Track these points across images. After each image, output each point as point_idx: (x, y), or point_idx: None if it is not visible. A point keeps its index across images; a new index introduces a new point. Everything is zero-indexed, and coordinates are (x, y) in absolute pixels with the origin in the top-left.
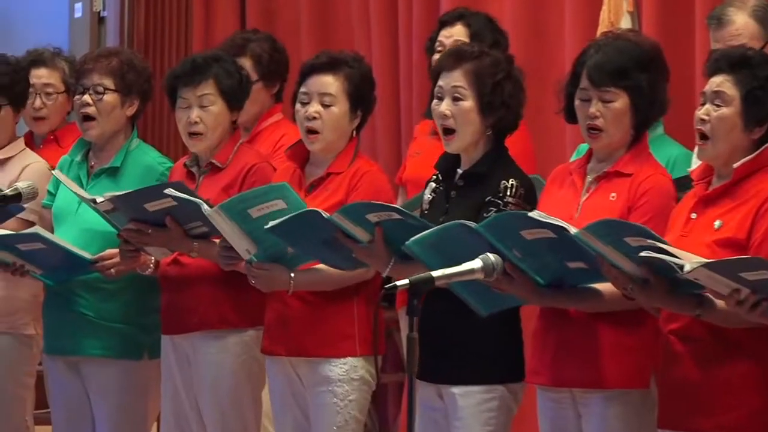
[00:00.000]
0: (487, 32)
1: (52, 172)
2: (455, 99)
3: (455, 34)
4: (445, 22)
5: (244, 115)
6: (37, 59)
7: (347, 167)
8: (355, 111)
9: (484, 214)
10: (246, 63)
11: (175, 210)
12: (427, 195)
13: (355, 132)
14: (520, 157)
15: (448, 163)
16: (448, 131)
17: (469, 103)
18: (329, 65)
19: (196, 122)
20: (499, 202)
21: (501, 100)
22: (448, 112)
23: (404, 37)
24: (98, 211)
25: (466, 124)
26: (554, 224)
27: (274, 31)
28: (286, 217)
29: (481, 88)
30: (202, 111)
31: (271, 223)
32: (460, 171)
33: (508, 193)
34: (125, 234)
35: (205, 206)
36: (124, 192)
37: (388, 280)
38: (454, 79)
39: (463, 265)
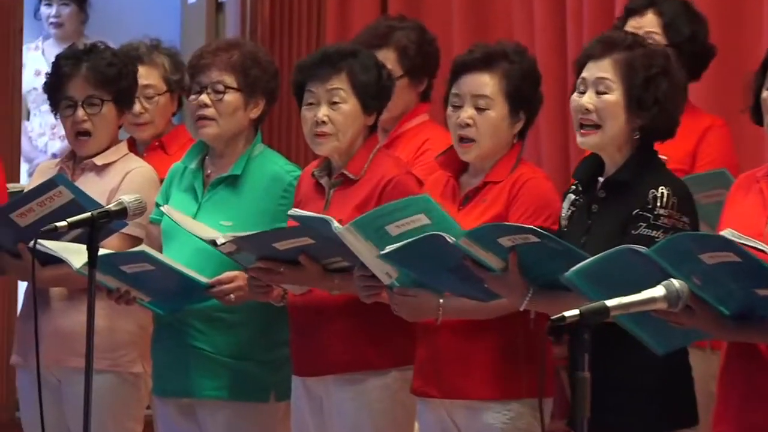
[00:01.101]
0: (683, 21)
1: (161, 208)
2: (599, 92)
3: (645, 24)
4: (633, 11)
5: (383, 114)
6: (131, 55)
7: (507, 175)
8: (516, 113)
9: (633, 231)
10: (389, 55)
11: (311, 248)
12: (565, 210)
13: (517, 137)
14: (720, 162)
15: (587, 170)
16: (590, 126)
17: (614, 97)
18: (484, 62)
19: (323, 121)
20: (649, 215)
21: (653, 98)
22: (590, 106)
23: (573, 27)
24: (224, 254)
25: (609, 118)
26: (751, 246)
27: (420, 20)
28: (404, 242)
29: (630, 81)
30: (332, 109)
31: (387, 249)
32: (601, 180)
33: (659, 204)
34: (253, 273)
35: (335, 224)
36: (249, 233)
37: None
38: (601, 69)
39: (643, 293)
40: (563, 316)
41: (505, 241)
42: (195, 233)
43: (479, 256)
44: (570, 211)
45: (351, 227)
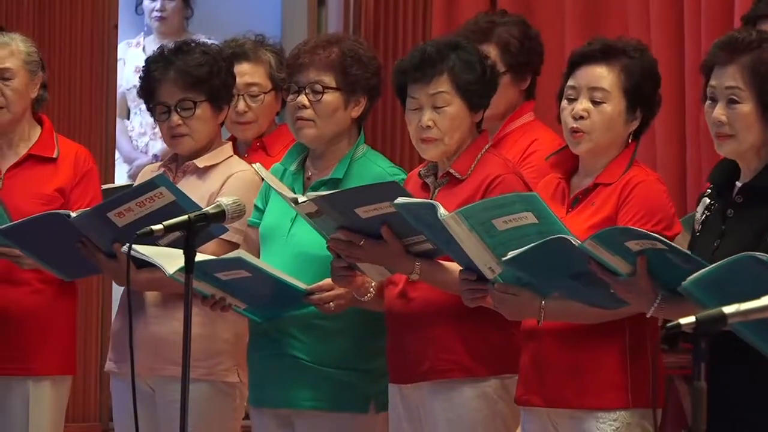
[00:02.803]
0: None
1: (253, 166)
2: (730, 101)
3: None
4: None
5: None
6: (237, 52)
7: (619, 177)
8: (633, 111)
9: None
10: (491, 51)
11: (394, 218)
12: (699, 213)
13: (632, 137)
14: None
15: (724, 175)
16: (724, 135)
17: (746, 107)
18: (603, 54)
19: (428, 126)
20: None
21: None
22: (723, 118)
23: (691, 24)
24: (302, 215)
25: (745, 131)
26: None
27: (531, 17)
28: (529, 246)
29: (760, 87)
30: (436, 113)
31: (510, 254)
32: (738, 184)
33: None
34: (332, 245)
35: (441, 209)
36: (330, 192)
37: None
38: (728, 77)
39: (765, 299)
40: (678, 323)
41: (633, 245)
42: (279, 191)
43: (605, 259)
44: (704, 215)
45: (456, 216)
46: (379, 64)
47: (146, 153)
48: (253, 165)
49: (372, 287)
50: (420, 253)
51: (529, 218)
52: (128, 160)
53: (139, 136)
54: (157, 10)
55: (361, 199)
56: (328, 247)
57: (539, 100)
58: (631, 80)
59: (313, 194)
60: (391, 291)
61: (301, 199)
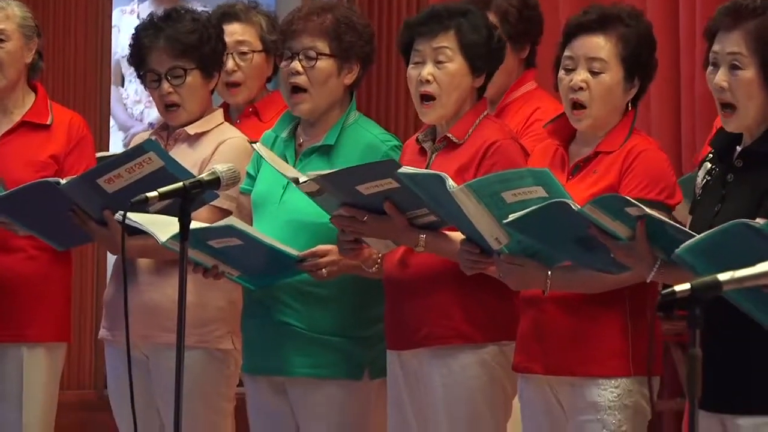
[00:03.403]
0: None
1: (253, 145)
2: (733, 67)
3: None
4: None
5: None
6: (227, 12)
7: (620, 146)
8: (631, 79)
9: None
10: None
11: (396, 194)
12: (700, 178)
13: (630, 104)
14: None
15: (725, 139)
16: (727, 106)
17: (749, 73)
18: (600, 23)
19: (428, 80)
20: None
21: None
22: (724, 84)
23: None
24: (304, 192)
25: (746, 98)
26: None
27: None
28: (529, 209)
29: (764, 53)
30: (437, 68)
31: (511, 217)
32: (739, 149)
33: None
34: (336, 221)
35: (450, 182)
36: (331, 171)
37: (666, 284)
38: (731, 43)
39: (759, 266)
40: (673, 290)
41: (633, 211)
42: (280, 171)
43: (605, 224)
44: (705, 179)
45: (466, 188)
46: (372, 32)
47: (141, 121)
48: (254, 144)
49: (379, 258)
50: (424, 225)
51: (539, 192)
52: (123, 128)
53: (134, 104)
54: None
55: (361, 177)
56: (331, 221)
57: (539, 69)
58: (628, 48)
59: (313, 173)
60: (390, 258)
61: (303, 178)
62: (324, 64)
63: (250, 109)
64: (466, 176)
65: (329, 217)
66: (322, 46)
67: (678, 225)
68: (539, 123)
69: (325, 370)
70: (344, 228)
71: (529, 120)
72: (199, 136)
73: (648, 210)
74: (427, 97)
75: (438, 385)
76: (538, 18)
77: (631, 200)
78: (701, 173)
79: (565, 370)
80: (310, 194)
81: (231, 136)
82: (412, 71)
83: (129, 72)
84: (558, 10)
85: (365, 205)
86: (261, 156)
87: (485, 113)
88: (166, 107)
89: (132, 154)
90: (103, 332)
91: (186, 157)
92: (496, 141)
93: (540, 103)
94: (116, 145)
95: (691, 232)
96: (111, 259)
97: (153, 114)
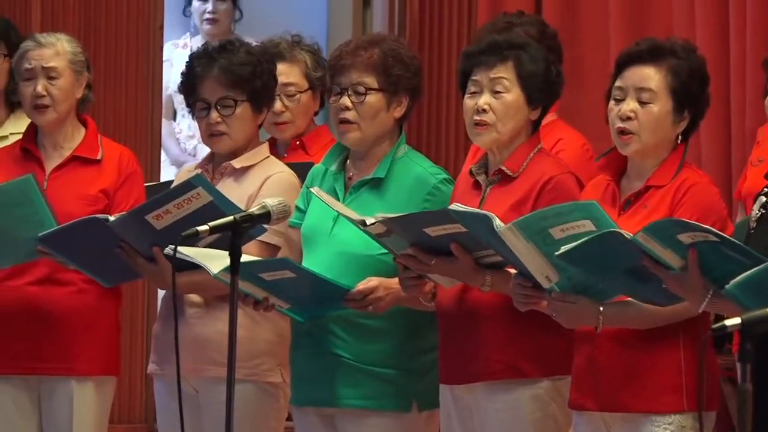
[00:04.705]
0: None
1: (311, 190)
2: None
3: None
4: None
5: None
6: (272, 52)
7: (671, 180)
8: (680, 111)
9: None
10: None
11: (463, 236)
12: (755, 211)
13: (681, 137)
14: None
15: None
16: None
17: None
18: (651, 55)
19: (483, 110)
20: None
21: None
22: None
23: (736, 22)
24: (369, 234)
25: None
26: None
27: (576, 19)
28: (582, 240)
29: None
30: (494, 97)
31: (563, 249)
32: None
33: None
34: (403, 260)
35: (497, 221)
36: (399, 215)
37: (719, 317)
38: None
39: None
40: (723, 324)
41: (685, 238)
42: (344, 214)
43: (657, 252)
44: (760, 212)
45: (513, 227)
46: (420, 64)
47: (194, 156)
48: (311, 189)
49: (434, 289)
50: (490, 265)
51: (587, 226)
52: (176, 163)
53: (187, 138)
54: (208, 12)
55: (428, 221)
56: (395, 261)
57: (589, 101)
58: (678, 80)
59: (381, 216)
60: (445, 292)
61: (370, 221)
62: (373, 98)
63: (297, 143)
64: (523, 211)
65: (393, 255)
66: (371, 80)
67: (738, 243)
68: (562, 154)
69: (373, 402)
70: (411, 267)
71: (552, 150)
72: (245, 170)
73: (707, 227)
74: (480, 123)
75: (492, 420)
76: (557, 48)
77: (686, 221)
78: (756, 206)
79: (619, 407)
80: (379, 236)
81: (278, 171)
82: (468, 101)
83: (181, 106)
84: (608, 42)
85: (432, 245)
86: (316, 177)
87: (539, 147)
88: (211, 135)
89: (180, 189)
90: (152, 366)
91: (232, 191)
92: (554, 176)
93: (562, 134)
94: (169, 179)
95: (750, 249)
96: (161, 293)
97: (206, 149)
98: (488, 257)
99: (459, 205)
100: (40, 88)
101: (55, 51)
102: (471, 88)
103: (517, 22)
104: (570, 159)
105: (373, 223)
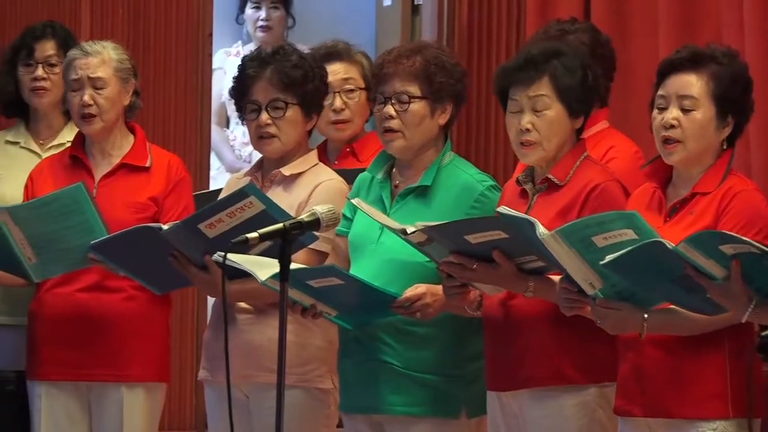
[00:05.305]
0: None
1: (352, 201)
2: None
3: None
4: None
5: None
6: (330, 52)
7: (717, 186)
8: (723, 117)
9: None
10: None
11: (504, 243)
12: None
13: (725, 143)
14: None
15: None
16: None
17: None
18: (691, 62)
19: (527, 129)
20: None
21: None
22: None
23: None
24: (410, 243)
25: None
26: None
27: (625, 24)
28: (625, 250)
29: None
30: (535, 116)
31: (608, 258)
32: None
33: None
34: (446, 268)
35: (540, 228)
36: (439, 223)
37: (765, 326)
38: None
39: None
40: None
41: (727, 249)
42: (385, 224)
43: (700, 263)
44: None
45: (557, 234)
46: (463, 70)
47: (250, 162)
48: (353, 201)
49: (480, 297)
50: (532, 270)
51: (629, 234)
52: (231, 170)
53: (242, 145)
54: (261, 20)
55: (469, 228)
56: (438, 269)
57: (637, 106)
58: (720, 86)
59: (421, 224)
60: (491, 299)
61: (410, 229)
62: (417, 106)
63: (348, 149)
64: (569, 218)
65: (435, 264)
66: (414, 89)
67: None
68: (614, 162)
69: (422, 408)
70: (453, 274)
71: (604, 158)
72: (295, 177)
73: (748, 239)
74: (526, 143)
75: (538, 427)
76: (610, 55)
77: (727, 233)
78: None
79: (664, 412)
80: (420, 244)
81: (327, 178)
82: (511, 119)
83: (235, 114)
84: (658, 50)
85: (474, 252)
86: (356, 192)
87: (585, 155)
88: (260, 138)
89: (233, 198)
90: (202, 373)
91: (282, 200)
92: (599, 183)
93: (614, 142)
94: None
95: None
96: (211, 299)
97: None
98: (530, 263)
99: (506, 208)
100: (86, 98)
101: (101, 59)
102: (512, 106)
103: (570, 29)
104: (622, 167)
105: (414, 232)
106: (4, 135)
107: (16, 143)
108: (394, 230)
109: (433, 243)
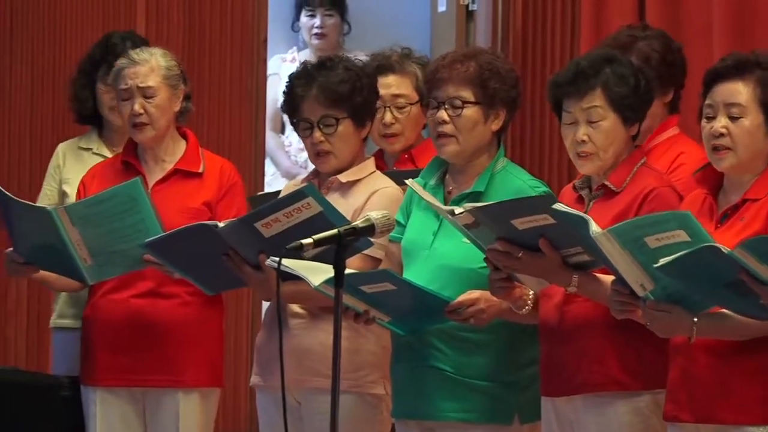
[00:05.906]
0: None
1: (407, 182)
2: None
3: None
4: None
5: None
6: (383, 64)
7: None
8: None
9: None
10: None
11: (551, 230)
12: None
13: None
14: None
15: None
16: None
17: None
18: (737, 69)
19: (583, 141)
20: None
21: None
22: None
23: None
24: (457, 226)
25: None
26: None
27: (679, 30)
28: (680, 253)
29: None
30: (591, 127)
31: (662, 261)
32: None
33: None
34: (491, 255)
35: (593, 225)
36: (487, 203)
37: None
38: None
39: None
40: None
41: None
42: (434, 206)
43: (754, 268)
44: None
45: (609, 233)
46: (516, 76)
47: (306, 168)
48: (407, 180)
49: (530, 300)
50: (577, 265)
51: (682, 236)
52: (287, 175)
53: (298, 151)
54: (316, 27)
55: (517, 210)
56: (485, 259)
57: (692, 108)
58: (766, 92)
59: (469, 205)
60: (547, 303)
61: (458, 210)
62: (470, 112)
63: (406, 156)
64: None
65: (482, 255)
66: (467, 94)
67: None
68: (684, 168)
69: (475, 415)
70: (498, 263)
71: (673, 164)
72: (351, 184)
73: None
74: (583, 155)
75: None
76: (681, 62)
77: None
78: None
79: (713, 418)
80: (466, 226)
81: (384, 186)
82: (566, 130)
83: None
84: (712, 56)
85: (520, 240)
86: (409, 201)
87: (642, 161)
88: (317, 154)
89: (291, 198)
90: (254, 379)
91: (338, 206)
92: (655, 188)
93: (684, 148)
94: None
95: None
96: (265, 304)
97: None
98: (576, 256)
99: (560, 204)
100: (137, 107)
101: (149, 68)
102: (566, 118)
103: (640, 35)
104: (691, 172)
105: (462, 213)
106: (77, 142)
107: (88, 149)
108: (441, 211)
109: (479, 227)
